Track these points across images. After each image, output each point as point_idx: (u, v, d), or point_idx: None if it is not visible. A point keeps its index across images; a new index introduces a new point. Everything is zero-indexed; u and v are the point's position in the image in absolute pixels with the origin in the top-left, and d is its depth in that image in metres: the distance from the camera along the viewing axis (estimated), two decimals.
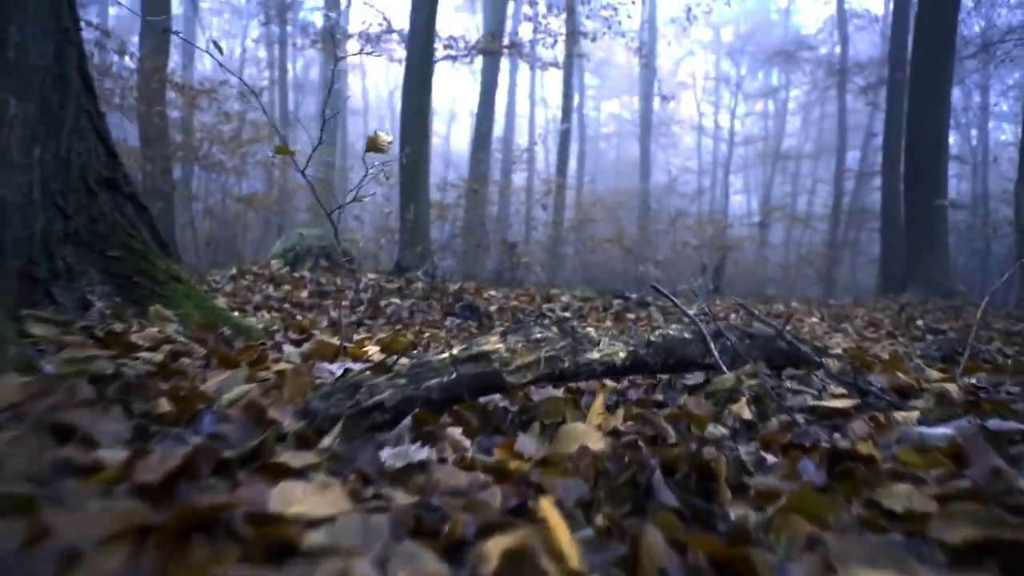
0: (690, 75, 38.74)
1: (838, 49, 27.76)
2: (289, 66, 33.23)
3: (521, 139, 32.03)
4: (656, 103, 32.72)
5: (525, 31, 18.30)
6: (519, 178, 25.91)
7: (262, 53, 29.06)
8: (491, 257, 16.26)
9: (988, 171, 28.82)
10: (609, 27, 15.99)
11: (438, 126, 41.25)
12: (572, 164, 32.38)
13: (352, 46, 17.04)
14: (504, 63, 37.60)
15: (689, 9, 16.68)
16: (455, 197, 15.67)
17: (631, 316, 6.22)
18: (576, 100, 32.20)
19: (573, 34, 16.97)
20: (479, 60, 21.15)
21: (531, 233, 18.84)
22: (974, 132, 30.92)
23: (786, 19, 38.24)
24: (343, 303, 5.63)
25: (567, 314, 5.84)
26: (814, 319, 6.80)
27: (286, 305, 5.42)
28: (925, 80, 13.32)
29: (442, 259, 14.61)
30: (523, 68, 38.47)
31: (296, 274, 6.52)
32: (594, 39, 16.18)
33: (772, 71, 35.74)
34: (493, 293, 6.54)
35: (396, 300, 5.63)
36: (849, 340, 5.04)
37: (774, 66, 33.41)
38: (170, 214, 12.40)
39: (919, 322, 7.16)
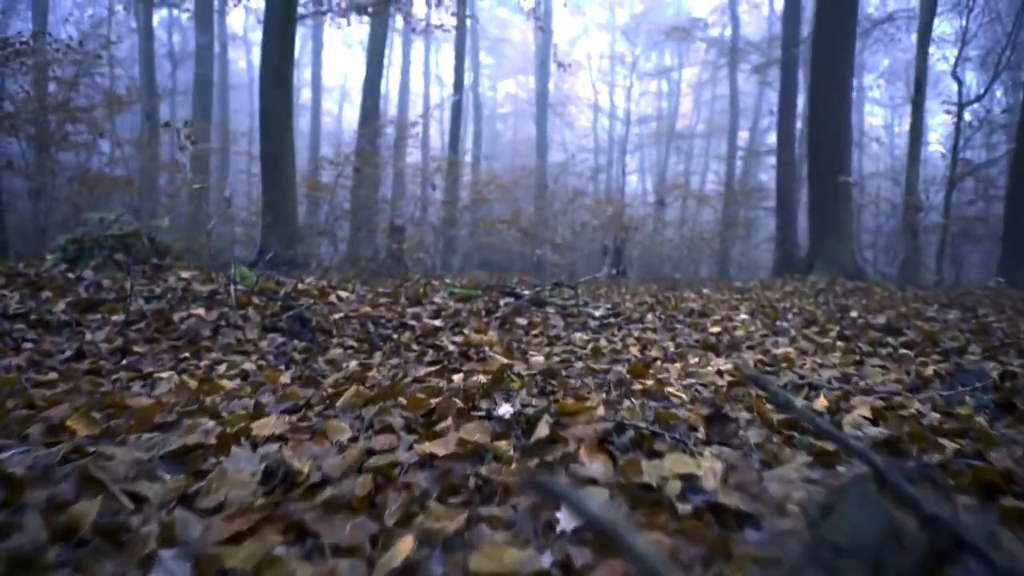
0: (586, 55, 37.50)
1: (728, 31, 27.10)
2: (166, 36, 30.09)
3: (415, 117, 30.17)
4: (552, 81, 31.48)
5: None
6: (414, 159, 24.05)
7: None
8: (381, 243, 14.43)
9: (863, 151, 28.94)
10: None
11: (329, 104, 38.70)
12: (467, 143, 30.73)
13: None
14: (397, 41, 35.55)
15: None
16: (335, 176, 13.69)
17: (522, 321, 4.68)
18: (470, 79, 30.49)
19: None
20: (365, 29, 19.14)
21: (424, 215, 17.09)
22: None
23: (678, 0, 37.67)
24: (116, 318, 3.83)
25: (437, 323, 4.25)
26: (743, 316, 5.44)
27: (16, 325, 3.58)
28: (827, 56, 12.31)
29: (317, 245, 12.70)
30: (418, 45, 36.45)
31: (72, 274, 4.65)
32: None
33: (665, 52, 34.99)
34: (344, 294, 4.88)
35: (200, 310, 3.90)
36: (803, 354, 3.65)
37: (667, 46, 32.62)
38: None
39: (853, 313, 5.93)
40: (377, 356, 3.53)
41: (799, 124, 18.03)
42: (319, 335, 3.86)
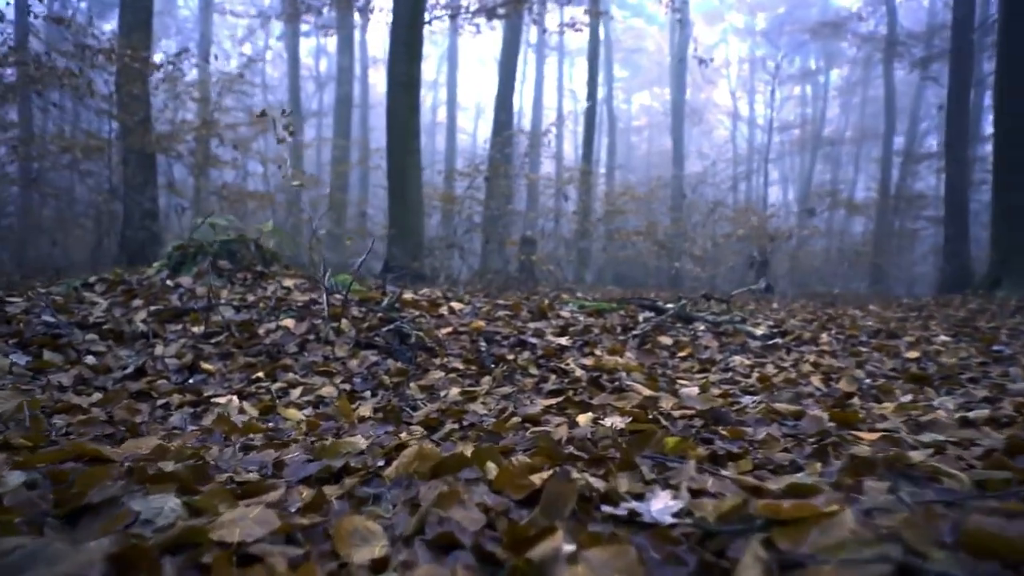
0: (724, 62, 35.79)
1: (882, 26, 24.76)
2: (313, 61, 31.30)
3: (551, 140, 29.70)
4: (688, 92, 30.06)
5: None
6: (546, 171, 23.47)
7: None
8: (512, 256, 13.84)
9: None
10: None
11: (464, 122, 38.93)
12: (601, 156, 29.87)
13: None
14: (531, 57, 35.27)
15: None
16: (465, 188, 13.24)
17: (666, 341, 3.81)
18: (603, 92, 29.67)
19: None
20: (498, 45, 18.77)
21: (556, 227, 16.39)
22: None
23: None
24: (197, 329, 3.31)
25: (563, 340, 3.49)
26: (943, 337, 4.28)
27: (88, 336, 3.11)
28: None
29: (448, 258, 12.24)
30: (551, 60, 36.05)
31: (172, 281, 4.24)
32: None
33: (810, 55, 32.75)
34: (459, 306, 4.21)
35: (289, 322, 3.33)
36: None
37: (812, 48, 30.53)
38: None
39: None
40: (486, 381, 2.79)
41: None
42: (420, 353, 3.17)
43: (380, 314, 3.61)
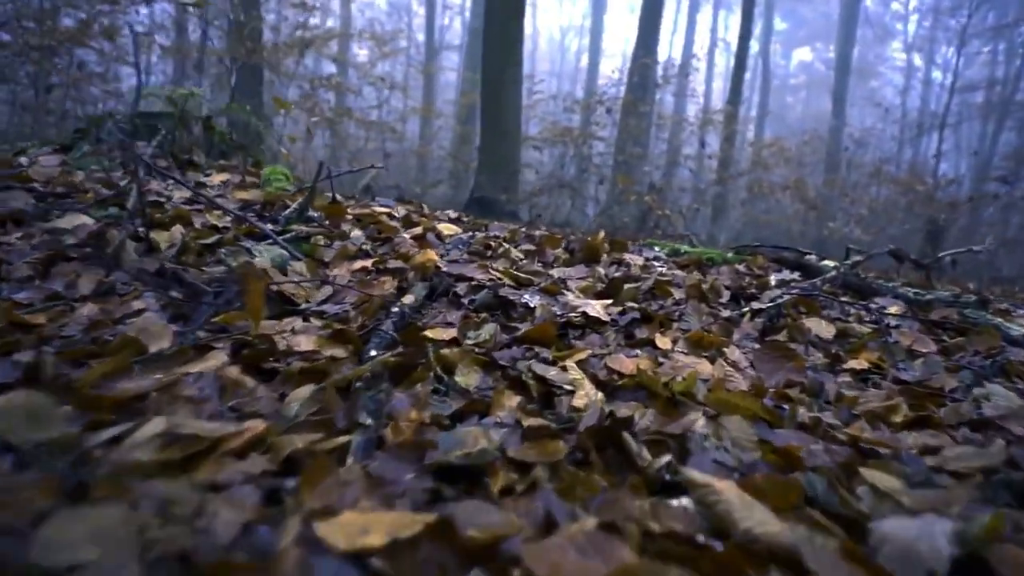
0: (900, 18, 30.90)
1: None
2: None
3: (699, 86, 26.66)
4: (857, 48, 25.86)
5: None
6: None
7: None
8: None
9: None
10: None
11: (607, 70, 36.10)
12: (752, 113, 26.55)
13: None
14: (684, 5, 31.86)
15: None
16: (585, 122, 11.11)
17: (820, 330, 1.81)
18: (758, 46, 26.15)
19: None
20: None
21: (696, 177, 13.96)
22: None
23: None
24: None
25: (599, 308, 1.61)
26: None
27: None
28: None
29: (560, 202, 10.28)
30: (705, 8, 32.49)
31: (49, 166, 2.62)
32: None
33: (1008, 6, 27.40)
34: (450, 230, 2.35)
35: (76, 221, 1.64)
36: None
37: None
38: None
39: None
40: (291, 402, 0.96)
41: None
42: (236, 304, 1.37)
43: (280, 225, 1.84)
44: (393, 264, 1.83)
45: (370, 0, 28.12)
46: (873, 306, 2.12)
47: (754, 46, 23.94)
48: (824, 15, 32.22)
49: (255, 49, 9.89)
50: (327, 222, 2.19)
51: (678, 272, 2.34)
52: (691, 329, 1.67)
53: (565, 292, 1.81)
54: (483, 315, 1.59)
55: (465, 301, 1.68)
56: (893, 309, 2.14)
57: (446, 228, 2.47)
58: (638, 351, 1.44)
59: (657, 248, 2.98)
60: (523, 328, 1.48)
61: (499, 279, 1.80)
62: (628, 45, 37.61)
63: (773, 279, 2.34)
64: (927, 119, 27.42)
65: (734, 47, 30.43)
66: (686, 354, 1.44)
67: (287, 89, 11.58)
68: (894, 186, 14.31)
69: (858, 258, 2.60)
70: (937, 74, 30.69)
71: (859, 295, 2.35)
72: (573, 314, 1.62)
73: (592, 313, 1.61)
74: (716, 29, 34.21)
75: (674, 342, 1.55)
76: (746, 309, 1.90)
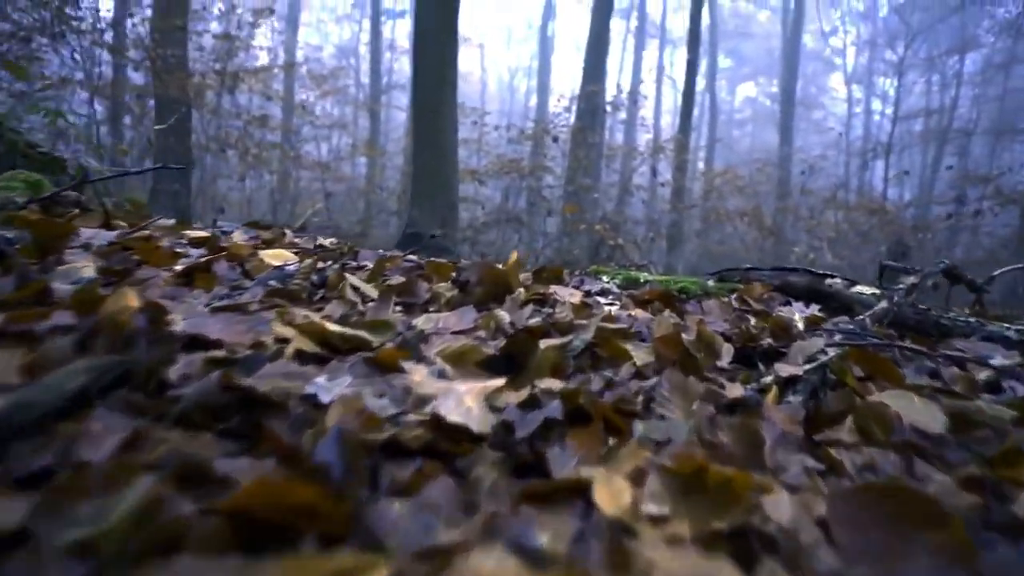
0: (840, 49, 31.27)
1: None
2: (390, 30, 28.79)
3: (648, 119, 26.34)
4: (800, 82, 25.91)
5: None
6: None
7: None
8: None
9: None
10: None
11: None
12: (700, 148, 26.33)
13: None
14: (630, 43, 31.81)
15: None
16: (528, 153, 10.30)
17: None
18: (704, 83, 26.06)
19: None
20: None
21: (648, 207, 13.25)
22: None
23: None
24: None
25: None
26: None
27: None
28: None
29: (506, 236, 9.39)
30: (651, 46, 32.47)
31: None
32: None
33: (938, 41, 27.92)
34: (281, 257, 1.45)
35: None
36: None
37: (943, 33, 25.94)
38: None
39: None
40: None
41: None
42: None
43: None
44: (58, 319, 0.88)
45: (319, 44, 27.41)
46: (964, 355, 1.24)
47: (701, 82, 23.74)
48: (767, 51, 32.49)
49: (179, 82, 8.94)
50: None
51: (638, 313, 1.41)
52: (672, 440, 0.74)
53: (417, 364, 0.88)
54: (192, 432, 0.66)
55: (174, 395, 0.74)
56: (999, 360, 1.27)
57: (273, 256, 1.55)
58: (543, 540, 0.51)
59: (606, 278, 2.07)
60: (248, 482, 0.55)
61: (284, 341, 0.88)
62: (576, 83, 37.53)
63: (797, 318, 1.45)
64: (871, 146, 27.54)
65: (680, 83, 30.41)
66: (670, 543, 0.52)
67: (212, 126, 10.59)
68: (855, 211, 13.83)
69: (913, 280, 1.73)
70: (877, 104, 31.03)
71: (919, 335, 1.48)
72: (414, 417, 0.70)
73: (453, 418, 0.69)
74: (663, 66, 34.25)
75: (637, 481, 0.62)
76: (768, 379, 0.98)
